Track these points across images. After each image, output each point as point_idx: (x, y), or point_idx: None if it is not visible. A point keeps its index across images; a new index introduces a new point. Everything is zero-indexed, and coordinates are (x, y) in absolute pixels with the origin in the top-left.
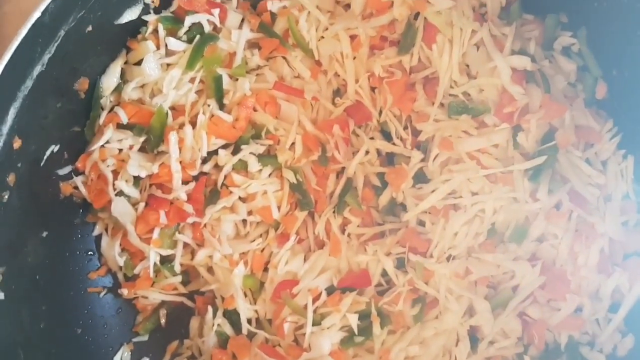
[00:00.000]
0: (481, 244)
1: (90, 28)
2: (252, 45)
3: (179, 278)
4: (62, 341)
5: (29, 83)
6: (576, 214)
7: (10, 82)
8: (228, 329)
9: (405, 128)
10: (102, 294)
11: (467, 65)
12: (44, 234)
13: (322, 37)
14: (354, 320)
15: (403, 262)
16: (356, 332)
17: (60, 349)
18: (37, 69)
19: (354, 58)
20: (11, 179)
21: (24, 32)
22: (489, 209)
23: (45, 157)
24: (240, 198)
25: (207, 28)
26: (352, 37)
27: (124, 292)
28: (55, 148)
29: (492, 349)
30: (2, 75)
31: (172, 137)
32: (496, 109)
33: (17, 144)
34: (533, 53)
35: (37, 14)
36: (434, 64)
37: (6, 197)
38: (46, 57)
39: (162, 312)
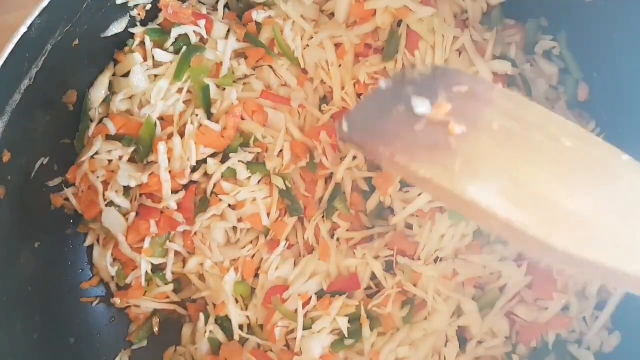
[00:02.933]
0: (468, 246)
1: (77, 42)
2: (238, 55)
3: (171, 287)
4: (55, 351)
5: (17, 97)
6: None
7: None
8: (220, 336)
9: None
10: (94, 304)
11: None
12: (36, 244)
13: (308, 46)
14: (343, 324)
15: (392, 265)
16: (346, 335)
17: (54, 358)
18: (25, 83)
19: (340, 66)
20: (1, 191)
21: (10, 47)
22: None
23: (35, 170)
24: (230, 206)
25: (194, 39)
26: (337, 46)
27: (117, 301)
28: (45, 160)
29: (481, 349)
30: None
31: (161, 147)
32: None
33: (6, 157)
34: (514, 57)
35: (23, 29)
36: None
37: None
38: (34, 72)
39: (155, 321)
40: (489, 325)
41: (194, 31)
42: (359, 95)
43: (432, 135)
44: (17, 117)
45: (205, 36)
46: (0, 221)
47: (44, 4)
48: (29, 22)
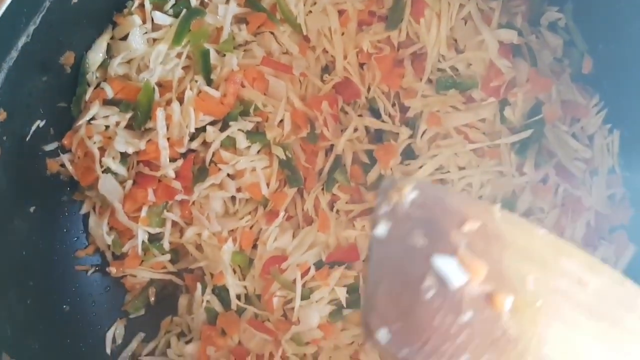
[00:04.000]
0: None
1: (76, 0)
2: (239, 20)
3: (168, 256)
4: (49, 318)
5: (13, 54)
6: (562, 188)
7: None
8: (217, 306)
9: (393, 105)
10: (90, 272)
11: (455, 40)
12: (31, 209)
13: (310, 12)
14: (342, 294)
15: None
16: (345, 305)
17: (48, 325)
18: (22, 40)
19: (342, 34)
20: None
21: (7, 1)
22: (476, 183)
23: (30, 132)
24: (228, 175)
25: (194, 2)
26: (341, 12)
27: (112, 270)
28: (41, 123)
29: None
30: None
31: (160, 113)
32: (483, 83)
33: (1, 116)
34: (520, 27)
35: None
36: (422, 39)
37: None
38: (31, 28)
39: (151, 291)
40: None
41: None
42: (361, 65)
43: (482, 324)
44: (13, 75)
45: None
46: None
47: None
48: None
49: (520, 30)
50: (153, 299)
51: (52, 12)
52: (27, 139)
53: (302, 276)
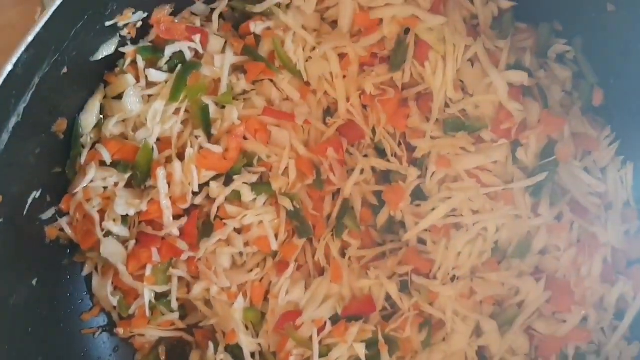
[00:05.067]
0: (484, 263)
1: (65, 70)
2: (236, 68)
3: (177, 314)
4: None
5: (5, 137)
6: (578, 225)
7: None
8: None
9: (399, 144)
10: (97, 334)
11: (462, 81)
12: (34, 281)
13: (310, 58)
14: (361, 350)
15: (407, 284)
16: None
17: None
18: (13, 121)
19: (344, 77)
20: None
21: None
22: (492, 228)
23: (27, 206)
24: (235, 229)
25: (189, 55)
26: (341, 56)
27: (120, 331)
28: (37, 194)
29: None
30: None
31: (160, 172)
32: (493, 125)
33: None
34: (529, 66)
35: (9, 67)
36: (427, 81)
37: None
38: (21, 107)
39: (162, 349)
40: (508, 343)
41: (189, 47)
42: (364, 107)
43: None
44: (6, 157)
45: (201, 51)
46: None
47: (30, 38)
48: (14, 59)
49: (529, 70)
50: (164, 357)
51: (42, 87)
52: (24, 214)
53: (318, 332)
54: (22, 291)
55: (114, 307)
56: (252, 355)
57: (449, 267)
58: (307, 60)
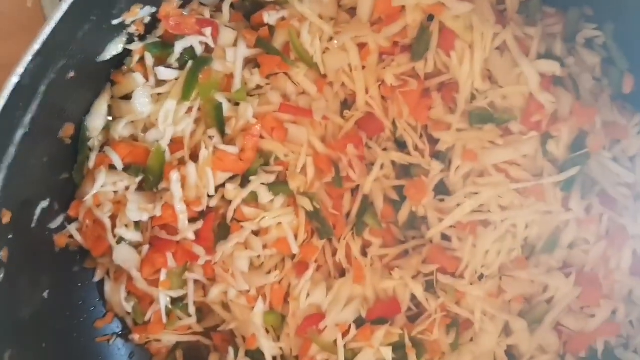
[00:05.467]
0: (513, 260)
1: (72, 74)
2: (249, 62)
3: (194, 319)
4: None
5: (12, 150)
6: (607, 217)
7: None
8: None
9: (420, 136)
10: (111, 342)
11: (489, 70)
12: (45, 294)
13: (327, 49)
14: (388, 354)
15: (432, 283)
16: None
17: None
18: (20, 133)
19: (363, 67)
20: (4, 254)
21: (2, 102)
22: (521, 224)
23: (35, 218)
24: (252, 231)
25: (199, 50)
26: (360, 46)
27: (136, 338)
28: (45, 204)
29: None
30: None
31: (174, 176)
32: (523, 117)
33: (6, 218)
34: (560, 54)
35: (14, 79)
36: (452, 71)
37: (1, 275)
38: (28, 118)
39: (179, 354)
40: (538, 341)
41: (200, 41)
42: (384, 98)
43: None
44: (14, 172)
45: (212, 45)
46: (6, 284)
47: (37, 47)
48: (20, 70)
49: (560, 58)
50: None
51: (48, 95)
52: (32, 226)
53: (343, 336)
54: (33, 305)
55: (128, 313)
56: (274, 359)
57: (477, 266)
58: (324, 52)
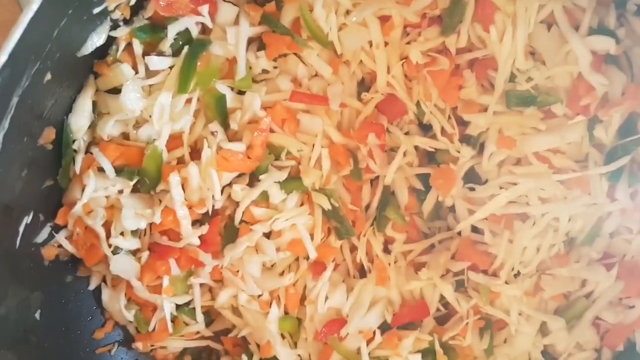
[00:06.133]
0: (553, 256)
1: (49, 76)
2: (252, 40)
3: (202, 325)
4: None
5: None
6: None
7: None
8: None
9: (448, 118)
10: (113, 351)
11: (531, 46)
12: (37, 314)
13: (344, 25)
14: None
15: (462, 282)
16: None
17: None
18: None
19: (386, 44)
20: None
21: None
22: (564, 218)
23: (19, 237)
24: (264, 234)
25: (195, 32)
26: (381, 19)
27: (139, 346)
28: (28, 219)
29: None
30: None
31: (173, 179)
32: (569, 99)
33: None
34: (613, 28)
35: None
36: (490, 48)
37: None
38: (0, 135)
39: (187, 359)
40: (576, 339)
41: (196, 22)
42: (407, 77)
43: None
44: None
45: (210, 25)
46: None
47: (3, 58)
48: None
49: (615, 35)
50: None
51: (22, 105)
52: (17, 247)
53: (367, 343)
54: (25, 327)
55: (130, 321)
56: None
57: (514, 264)
58: (340, 29)
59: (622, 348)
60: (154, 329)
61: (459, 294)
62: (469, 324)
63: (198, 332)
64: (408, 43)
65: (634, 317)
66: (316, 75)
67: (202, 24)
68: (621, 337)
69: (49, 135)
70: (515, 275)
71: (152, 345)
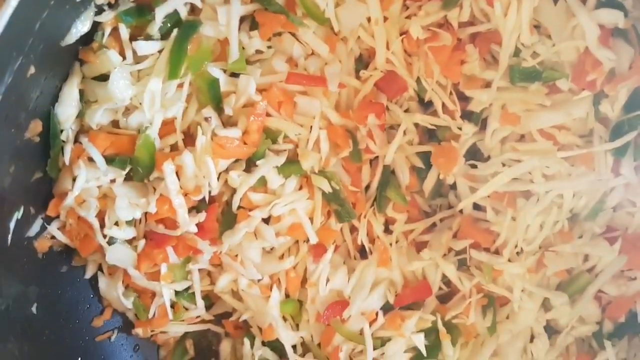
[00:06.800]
0: (556, 233)
1: (32, 70)
2: (244, 20)
3: (202, 309)
4: None
5: None
6: None
7: None
8: (271, 355)
9: (450, 94)
10: (113, 338)
11: (537, 20)
12: (34, 308)
13: (341, 0)
14: (420, 342)
15: (465, 261)
16: (424, 353)
17: None
18: None
19: (385, 20)
20: None
21: None
22: (568, 195)
23: (10, 234)
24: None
25: (184, 13)
26: None
27: (139, 332)
28: (18, 215)
29: (569, 337)
30: None
31: (168, 167)
32: (574, 74)
33: None
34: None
35: None
36: (494, 22)
37: None
38: None
39: (189, 343)
40: (578, 313)
41: (185, 2)
42: (407, 52)
43: None
44: None
45: (199, 5)
46: None
47: None
48: None
49: (623, 6)
50: (192, 351)
51: (6, 101)
52: (9, 242)
53: (370, 325)
54: (23, 323)
55: (129, 309)
56: (294, 347)
57: (518, 242)
58: (337, 5)
59: (623, 319)
60: (153, 315)
61: (461, 273)
62: (472, 302)
63: (198, 317)
64: (408, 17)
65: (636, 289)
66: (312, 54)
67: (191, 4)
68: (623, 309)
69: (35, 128)
70: (518, 253)
71: (152, 331)
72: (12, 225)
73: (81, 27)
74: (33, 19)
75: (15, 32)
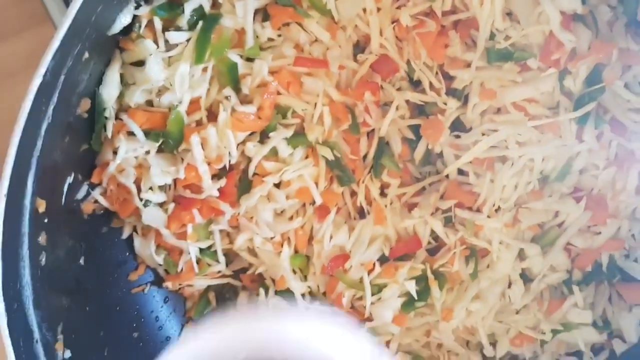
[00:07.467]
0: (529, 192)
1: (86, 55)
2: (257, 12)
3: (223, 266)
4: (123, 352)
5: (39, 143)
6: (616, 143)
7: (25, 152)
8: (284, 305)
9: (436, 74)
10: (146, 290)
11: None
12: (81, 260)
13: None
14: (412, 288)
15: (450, 218)
16: (416, 298)
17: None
18: (44, 125)
19: (378, 10)
20: (42, 239)
21: (27, 105)
22: (538, 159)
23: (64, 196)
24: (274, 184)
25: (207, 7)
26: None
27: (169, 285)
28: (70, 180)
29: (542, 284)
30: (19, 149)
31: (194, 139)
32: (541, 54)
33: (41, 207)
34: None
35: (37, 80)
36: (472, 10)
37: (43, 259)
38: (50, 110)
39: (211, 295)
40: (550, 262)
41: None
42: (398, 38)
43: None
44: (43, 162)
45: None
46: (48, 265)
47: (56, 44)
48: (42, 70)
49: None
50: (214, 302)
51: (67, 82)
52: (63, 204)
53: (368, 274)
54: (74, 274)
55: (160, 264)
56: (303, 295)
57: (495, 200)
58: None
59: (590, 269)
60: (181, 270)
61: (447, 229)
62: (456, 253)
63: (219, 272)
64: (398, 8)
65: (601, 242)
66: (316, 40)
67: None
68: (590, 260)
69: (85, 105)
70: (496, 210)
71: (180, 284)
72: (65, 188)
73: (124, 19)
74: (91, 12)
75: (79, 22)
